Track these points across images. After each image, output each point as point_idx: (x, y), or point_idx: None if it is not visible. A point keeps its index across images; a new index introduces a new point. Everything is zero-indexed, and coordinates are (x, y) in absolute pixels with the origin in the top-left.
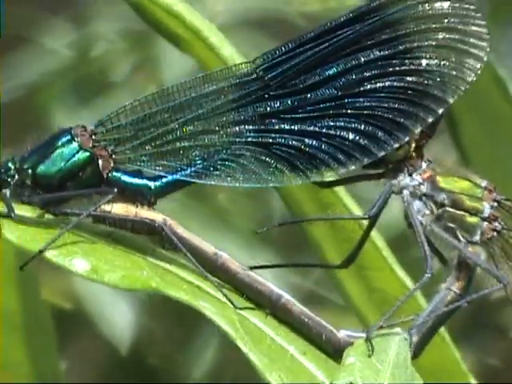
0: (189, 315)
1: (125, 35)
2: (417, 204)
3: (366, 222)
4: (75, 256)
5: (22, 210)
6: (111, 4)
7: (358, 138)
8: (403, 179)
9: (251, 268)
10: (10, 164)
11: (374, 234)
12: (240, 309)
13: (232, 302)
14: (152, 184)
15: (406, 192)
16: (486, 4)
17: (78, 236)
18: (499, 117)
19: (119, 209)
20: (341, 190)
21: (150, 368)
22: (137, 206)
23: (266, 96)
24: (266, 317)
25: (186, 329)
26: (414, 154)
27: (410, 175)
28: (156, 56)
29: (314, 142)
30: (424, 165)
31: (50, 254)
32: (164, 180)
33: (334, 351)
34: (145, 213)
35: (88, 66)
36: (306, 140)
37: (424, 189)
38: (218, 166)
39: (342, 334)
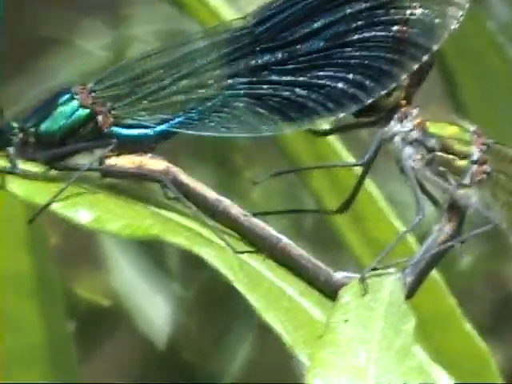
0: (224, 311)
1: (160, 36)
2: (408, 150)
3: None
4: (79, 207)
5: (26, 166)
6: (146, 5)
7: (346, 86)
8: (394, 126)
9: (254, 214)
10: (13, 123)
11: (371, 186)
12: (239, 253)
13: (232, 247)
14: (149, 132)
15: (397, 138)
16: None
17: (82, 189)
18: (497, 78)
19: (123, 160)
20: (337, 143)
21: (187, 364)
22: (140, 155)
23: (257, 49)
24: (263, 260)
25: (222, 325)
26: (403, 101)
27: (401, 122)
28: None
29: (304, 92)
30: (414, 111)
31: (55, 206)
32: (161, 128)
33: (331, 292)
34: (149, 162)
35: None
36: (297, 90)
37: (414, 135)
38: (213, 118)
39: (339, 275)
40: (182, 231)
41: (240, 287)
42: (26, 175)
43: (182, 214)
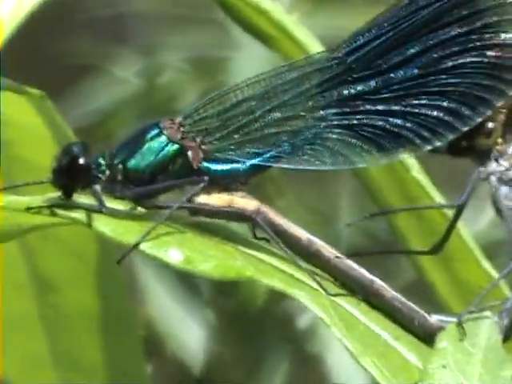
0: (258, 340)
1: (192, 63)
2: (504, 189)
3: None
4: (169, 247)
5: (112, 204)
6: (178, 33)
7: (441, 114)
8: (490, 165)
9: (347, 256)
10: (100, 160)
11: (460, 226)
12: (333, 295)
13: (325, 289)
14: (241, 166)
15: (493, 178)
16: None
17: (169, 227)
18: None
19: (213, 199)
20: (428, 184)
21: None
22: (231, 194)
23: (350, 79)
24: (359, 303)
25: (256, 353)
26: (499, 140)
27: (497, 161)
28: (224, 83)
29: (399, 121)
30: (510, 150)
31: (144, 246)
32: (253, 161)
33: (425, 336)
34: (239, 200)
35: (155, 93)
36: (391, 119)
37: (511, 174)
38: (306, 151)
39: (434, 318)
40: (275, 272)
41: (336, 331)
42: (112, 214)
43: (272, 254)
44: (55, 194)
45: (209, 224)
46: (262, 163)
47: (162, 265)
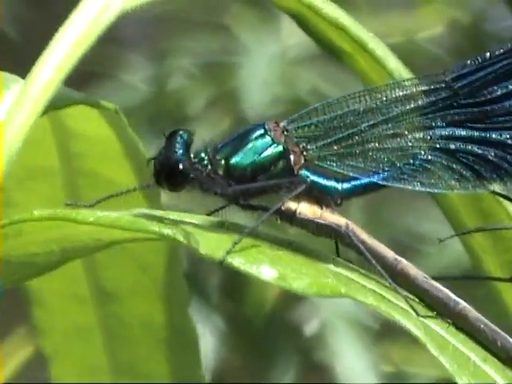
0: (266, 346)
1: (202, 69)
2: None
3: None
4: (262, 264)
5: (198, 220)
6: (187, 38)
7: None
8: None
9: (433, 278)
10: (203, 154)
11: None
12: (423, 317)
13: (415, 310)
14: (340, 185)
15: None
16: None
17: (260, 244)
18: None
19: (305, 208)
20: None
21: None
22: (322, 208)
23: (455, 104)
24: (447, 325)
25: (264, 360)
26: None
27: None
28: (233, 89)
29: (500, 152)
30: None
31: (236, 262)
32: (352, 182)
33: (507, 358)
34: (329, 215)
35: (165, 99)
36: (492, 149)
37: None
38: (405, 171)
39: None
40: (366, 291)
41: (432, 349)
42: (203, 228)
43: (360, 273)
44: (141, 208)
45: (294, 242)
46: (359, 182)
47: None
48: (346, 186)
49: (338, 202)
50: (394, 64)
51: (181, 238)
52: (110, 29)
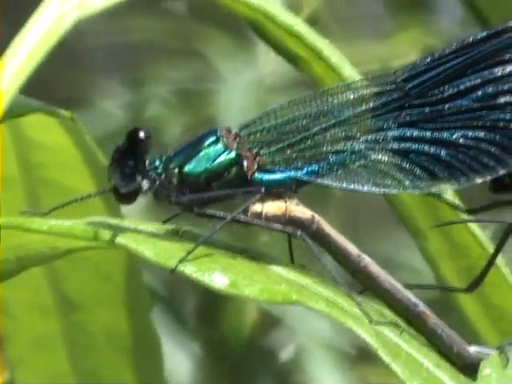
0: (243, 371)
1: (178, 96)
2: None
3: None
4: (214, 271)
5: (152, 228)
6: (164, 66)
7: (493, 149)
8: None
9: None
10: (157, 162)
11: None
12: (376, 323)
13: (369, 317)
14: (293, 175)
15: None
16: None
17: (213, 252)
18: None
19: (270, 207)
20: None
21: None
22: (285, 202)
23: (406, 105)
24: (400, 332)
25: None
26: None
27: None
28: (210, 116)
29: (452, 152)
30: None
31: (188, 270)
32: (304, 169)
33: (463, 365)
34: (294, 208)
35: (141, 125)
36: (444, 149)
37: None
38: (359, 172)
39: (473, 348)
40: (318, 298)
41: (383, 355)
42: (155, 236)
43: (314, 279)
44: (95, 217)
45: (249, 249)
46: (312, 179)
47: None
48: (300, 175)
49: (293, 187)
50: (348, 71)
51: (133, 246)
52: (87, 55)
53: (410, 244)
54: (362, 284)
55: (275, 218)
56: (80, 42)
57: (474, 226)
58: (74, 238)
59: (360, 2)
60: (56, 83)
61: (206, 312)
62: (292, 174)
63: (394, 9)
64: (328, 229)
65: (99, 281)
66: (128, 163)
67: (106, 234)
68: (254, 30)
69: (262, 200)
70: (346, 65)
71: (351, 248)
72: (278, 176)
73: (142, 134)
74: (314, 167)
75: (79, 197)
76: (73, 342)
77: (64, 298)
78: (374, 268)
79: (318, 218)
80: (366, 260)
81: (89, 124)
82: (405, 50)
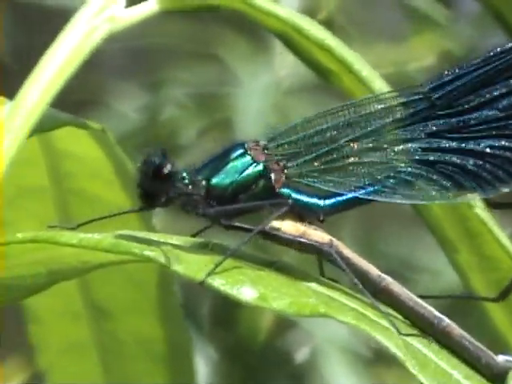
0: (259, 374)
1: (195, 100)
2: None
3: None
4: (243, 284)
5: (181, 241)
6: (182, 69)
7: None
8: None
9: (420, 296)
10: (184, 174)
11: None
12: (405, 335)
13: (397, 328)
14: (322, 202)
15: None
16: None
17: (242, 265)
18: None
19: (288, 226)
20: (490, 220)
21: None
22: (305, 225)
23: (433, 115)
24: (429, 343)
25: None
26: None
27: None
28: (226, 119)
29: (478, 161)
30: None
31: (217, 283)
32: (334, 198)
33: (492, 376)
34: (312, 232)
35: (157, 129)
36: (471, 159)
37: None
38: (386, 184)
39: (501, 358)
40: (347, 310)
41: (410, 367)
42: (184, 249)
43: (342, 292)
44: (125, 230)
45: (277, 262)
46: (339, 203)
47: None
48: (328, 202)
49: (321, 218)
50: (379, 85)
51: (162, 259)
52: (105, 58)
53: (426, 245)
54: (385, 304)
55: (291, 239)
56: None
57: (504, 238)
58: (103, 252)
59: (376, 6)
60: (73, 86)
61: (222, 315)
62: (320, 201)
63: (410, 11)
64: (347, 252)
65: (130, 289)
66: (156, 183)
67: (134, 248)
68: (284, 42)
69: (282, 218)
70: (376, 78)
71: (371, 269)
72: (305, 197)
73: (168, 167)
74: (340, 181)
75: (110, 213)
76: (104, 350)
77: (95, 305)
78: (395, 287)
79: (336, 242)
80: (387, 280)
81: (105, 125)
82: (421, 53)
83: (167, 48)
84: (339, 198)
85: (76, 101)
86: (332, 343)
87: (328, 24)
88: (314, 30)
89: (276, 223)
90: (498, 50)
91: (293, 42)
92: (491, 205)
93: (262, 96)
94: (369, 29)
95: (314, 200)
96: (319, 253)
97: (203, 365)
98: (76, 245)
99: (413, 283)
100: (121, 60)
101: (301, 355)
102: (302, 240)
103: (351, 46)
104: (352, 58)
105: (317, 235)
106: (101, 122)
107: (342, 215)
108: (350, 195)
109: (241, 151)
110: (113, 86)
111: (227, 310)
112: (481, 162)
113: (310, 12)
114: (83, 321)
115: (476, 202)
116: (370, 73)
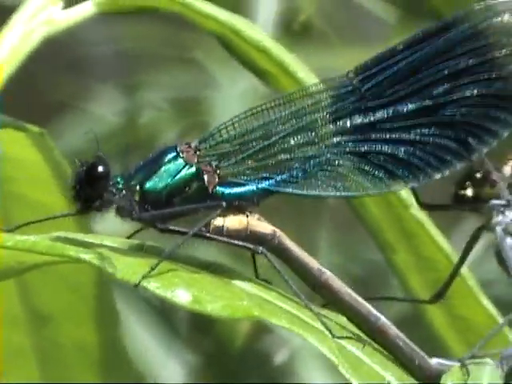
0: (237, 378)
1: (173, 103)
2: (509, 240)
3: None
4: (177, 287)
5: (117, 243)
6: (160, 72)
7: (450, 144)
8: (496, 216)
9: (367, 298)
10: (118, 179)
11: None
12: (338, 338)
13: (330, 331)
14: (254, 188)
15: (498, 228)
16: None
17: (177, 267)
18: None
19: (231, 221)
20: (426, 221)
21: None
22: (247, 216)
23: (363, 107)
24: (362, 346)
25: None
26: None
27: (503, 213)
28: (205, 123)
29: (410, 150)
30: None
31: (152, 286)
32: (266, 185)
33: (425, 378)
34: (256, 223)
35: (135, 132)
36: (402, 148)
37: None
38: (319, 177)
39: (434, 361)
40: (281, 313)
41: (343, 370)
42: (119, 252)
43: (277, 295)
44: (59, 232)
45: (213, 264)
46: (273, 188)
47: (141, 304)
48: (260, 187)
49: (255, 201)
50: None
51: (97, 262)
52: (84, 62)
53: None
54: (324, 298)
55: (236, 233)
56: (75, 48)
57: (440, 239)
58: (38, 254)
59: (357, 7)
60: (51, 89)
61: (199, 319)
62: (253, 186)
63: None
64: (289, 243)
65: (69, 294)
66: (89, 186)
67: (70, 250)
68: (222, 44)
69: (224, 214)
70: (313, 79)
71: (312, 262)
72: (238, 189)
73: (100, 169)
74: (274, 177)
75: (46, 216)
76: (43, 355)
77: (34, 311)
78: (335, 282)
79: (279, 232)
80: (327, 274)
81: (81, 130)
82: None
83: (146, 52)
84: (270, 181)
85: (52, 103)
86: (309, 346)
87: (308, 27)
88: (252, 31)
89: (219, 222)
90: (424, 33)
91: (231, 43)
92: (423, 206)
93: (240, 100)
94: (348, 31)
95: (247, 188)
96: (263, 243)
97: (180, 369)
98: (11, 247)
99: (390, 288)
100: (99, 64)
101: (279, 358)
102: (247, 231)
103: (331, 48)
104: (289, 59)
105: (260, 226)
106: (80, 125)
107: (319, 220)
108: (281, 186)
109: (173, 154)
110: (91, 90)
111: (204, 314)
112: (412, 150)
113: (290, 15)
114: (22, 326)
115: (412, 202)
116: (306, 74)
